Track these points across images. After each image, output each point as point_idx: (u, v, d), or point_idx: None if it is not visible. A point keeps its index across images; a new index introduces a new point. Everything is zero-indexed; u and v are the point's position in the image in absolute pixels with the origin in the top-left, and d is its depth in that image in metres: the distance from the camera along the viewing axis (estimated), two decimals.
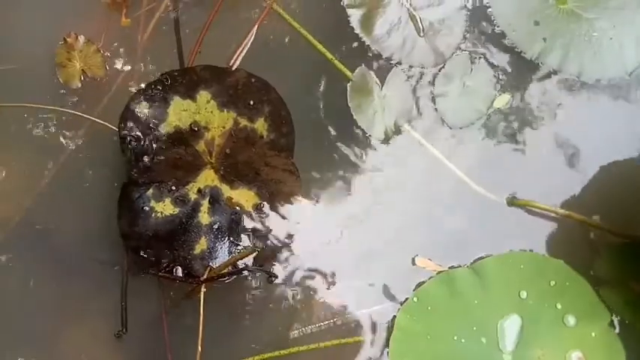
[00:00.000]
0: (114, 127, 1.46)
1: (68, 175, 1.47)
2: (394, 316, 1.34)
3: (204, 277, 1.27)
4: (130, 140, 1.40)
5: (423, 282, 1.37)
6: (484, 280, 1.35)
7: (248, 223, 1.38)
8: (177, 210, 1.37)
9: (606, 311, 1.33)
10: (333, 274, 1.39)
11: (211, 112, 1.44)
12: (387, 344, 1.35)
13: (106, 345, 1.37)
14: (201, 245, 1.36)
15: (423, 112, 1.50)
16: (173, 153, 1.41)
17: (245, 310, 1.36)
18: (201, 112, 1.44)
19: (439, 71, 1.52)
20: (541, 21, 1.56)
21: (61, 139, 1.49)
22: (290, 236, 1.39)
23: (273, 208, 1.40)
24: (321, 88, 1.53)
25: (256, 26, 1.56)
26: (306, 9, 1.60)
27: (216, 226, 1.37)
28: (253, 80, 1.46)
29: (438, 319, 1.33)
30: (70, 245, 1.42)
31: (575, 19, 1.56)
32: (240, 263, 1.31)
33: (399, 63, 1.53)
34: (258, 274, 1.34)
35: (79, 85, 1.48)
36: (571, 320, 1.33)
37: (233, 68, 1.50)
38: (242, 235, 1.36)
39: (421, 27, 1.55)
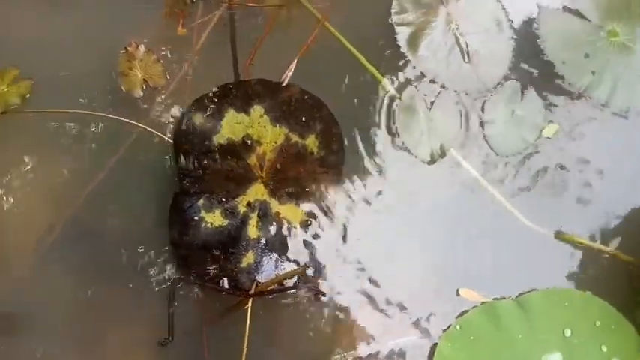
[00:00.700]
0: (164, 136, 1.49)
1: (118, 180, 1.49)
2: (435, 344, 1.34)
3: (252, 291, 1.29)
4: (184, 150, 1.43)
5: (466, 311, 1.37)
6: (528, 314, 1.35)
7: (295, 240, 1.40)
8: (226, 222, 1.39)
9: None
10: (377, 299, 1.39)
11: (264, 126, 1.46)
12: None
13: (148, 351, 1.38)
14: (249, 258, 1.38)
15: (471, 138, 1.51)
16: (225, 165, 1.44)
17: (287, 327, 1.37)
18: (254, 126, 1.47)
19: (489, 97, 1.53)
20: (591, 53, 1.57)
21: (112, 145, 1.51)
22: (336, 256, 1.40)
23: (321, 226, 1.42)
24: (368, 107, 1.54)
25: (308, 42, 1.60)
26: (356, 26, 1.62)
27: (263, 241, 1.39)
28: (306, 97, 1.49)
29: (479, 349, 1.33)
30: (116, 250, 1.43)
31: (626, 53, 1.57)
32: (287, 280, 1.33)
33: (444, 87, 1.55)
34: (305, 292, 1.35)
35: (141, 93, 1.51)
36: None
37: (284, 83, 1.53)
38: (289, 251, 1.38)
39: (467, 53, 1.57)
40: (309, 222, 1.41)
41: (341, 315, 1.38)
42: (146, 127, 1.51)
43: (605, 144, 1.52)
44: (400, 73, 1.56)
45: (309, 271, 1.36)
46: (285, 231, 1.40)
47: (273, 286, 1.31)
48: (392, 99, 1.54)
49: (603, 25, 1.58)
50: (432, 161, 1.49)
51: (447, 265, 1.42)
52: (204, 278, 1.34)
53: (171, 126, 1.51)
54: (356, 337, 1.37)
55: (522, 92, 1.54)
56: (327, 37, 1.62)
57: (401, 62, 1.57)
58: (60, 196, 1.49)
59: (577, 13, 1.60)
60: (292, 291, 1.33)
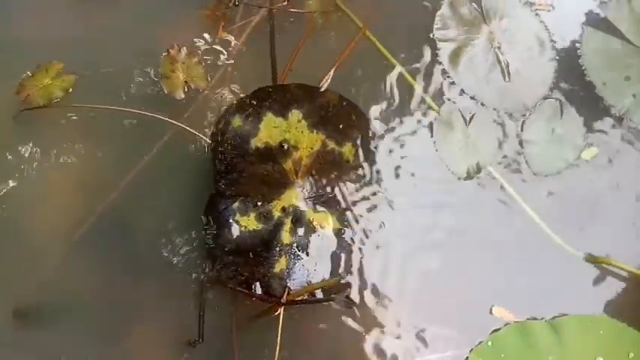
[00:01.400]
0: (202, 136, 1.49)
1: (153, 177, 1.50)
2: (466, 358, 1.33)
3: (284, 299, 1.28)
4: (221, 152, 1.43)
5: (499, 329, 1.36)
6: (561, 338, 1.33)
7: (328, 248, 1.39)
8: (260, 226, 1.39)
9: None
10: (410, 313, 1.38)
11: (301, 131, 1.46)
12: None
13: (174, 349, 1.37)
14: (281, 264, 1.37)
15: (508, 155, 1.50)
16: (261, 168, 1.43)
17: (317, 336, 1.36)
18: (292, 131, 1.46)
19: (528, 116, 1.52)
20: (632, 76, 1.56)
21: (149, 142, 1.51)
22: (368, 267, 1.39)
23: (354, 235, 1.41)
24: (405, 118, 1.54)
25: (348, 50, 1.60)
26: (398, 37, 1.62)
27: (297, 247, 1.38)
28: (345, 104, 1.49)
29: None
30: (148, 246, 1.43)
31: None
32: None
33: (483, 104, 1.54)
34: (337, 303, 1.34)
35: (183, 95, 1.51)
36: None
37: (323, 89, 1.52)
38: (322, 259, 1.37)
39: (507, 72, 1.56)
40: (342, 231, 1.40)
41: (372, 328, 1.37)
42: (184, 125, 1.51)
43: None
44: (439, 88, 1.56)
45: (343, 282, 1.35)
46: (318, 238, 1.39)
47: (305, 296, 1.30)
48: (430, 113, 1.55)
49: None
50: (469, 177, 1.48)
51: (481, 282, 1.41)
52: (237, 281, 1.33)
53: (209, 126, 1.51)
54: (387, 350, 1.36)
55: (562, 112, 1.53)
56: (365, 45, 1.62)
57: (441, 77, 1.57)
58: (94, 190, 1.49)
59: (619, 35, 1.59)
60: (326, 304, 1.32)
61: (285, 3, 1.58)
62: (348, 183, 1.44)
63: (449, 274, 1.41)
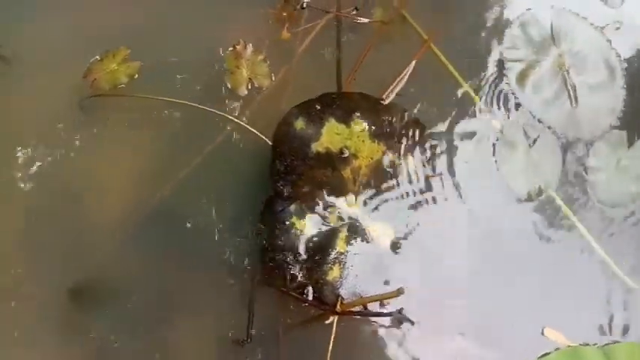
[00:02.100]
0: (260, 134, 1.48)
1: (209, 172, 1.49)
2: None
3: (338, 308, 1.26)
4: (282, 153, 1.42)
5: (548, 353, 1.33)
6: None
7: (384, 260, 1.37)
8: (316, 231, 1.37)
9: None
10: (462, 331, 1.35)
11: (363, 140, 1.44)
12: None
13: (219, 345, 1.36)
14: (335, 272, 1.35)
15: (571, 182, 1.47)
16: (320, 174, 1.42)
17: (363, 349, 1.34)
18: (353, 139, 1.45)
19: (594, 143, 1.49)
20: None
21: (207, 137, 1.51)
22: (422, 284, 1.37)
23: (410, 250, 1.38)
24: (467, 135, 1.51)
25: (413, 62, 1.58)
26: (463, 52, 1.60)
27: (351, 256, 1.36)
28: (407, 117, 1.47)
29: None
30: (199, 241, 1.43)
31: None
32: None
33: (548, 127, 1.52)
34: (392, 318, 1.32)
35: (246, 92, 1.51)
36: None
37: (387, 101, 1.52)
38: (376, 271, 1.35)
39: (575, 97, 1.53)
40: (398, 244, 1.38)
41: (424, 344, 1.34)
42: (243, 123, 1.51)
43: None
44: (504, 107, 1.53)
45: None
46: (373, 250, 1.37)
47: (359, 307, 1.28)
48: (493, 131, 1.51)
49: None
50: (529, 199, 1.45)
51: (534, 305, 1.38)
52: (289, 285, 1.32)
53: (268, 125, 1.48)
54: None
55: (630, 143, 1.50)
56: (429, 59, 1.59)
57: (506, 96, 1.54)
58: (150, 180, 1.49)
59: None
60: (383, 319, 1.30)
61: (354, 12, 1.58)
62: (405, 196, 1.43)
63: (502, 294, 1.38)
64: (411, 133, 1.46)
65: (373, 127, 1.45)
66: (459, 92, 1.55)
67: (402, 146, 1.44)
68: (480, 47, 1.61)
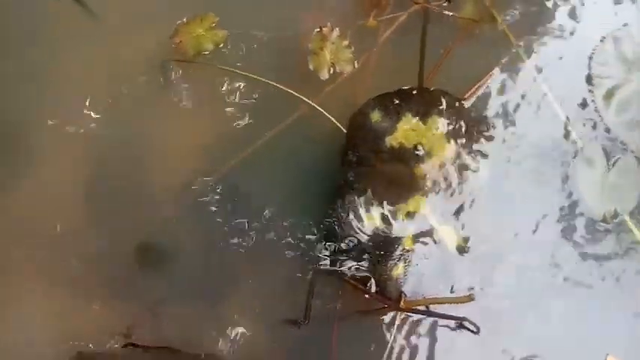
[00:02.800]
0: (335, 120, 1.47)
1: (277, 151, 1.49)
2: None
3: (402, 304, 1.26)
4: (355, 143, 1.40)
5: None
6: None
7: (449, 263, 1.36)
8: (383, 225, 1.36)
9: None
10: (520, 349, 1.33)
11: (438, 139, 1.42)
12: None
13: (268, 323, 1.37)
14: (399, 269, 1.34)
15: None
16: (391, 168, 1.40)
17: (425, 348, 1.33)
18: (428, 137, 1.42)
19: None
20: None
21: (279, 115, 1.50)
22: (486, 293, 1.35)
23: (477, 256, 1.37)
24: (546, 147, 1.47)
25: (497, 68, 1.54)
26: (552, 65, 1.54)
27: (417, 255, 1.35)
28: (487, 121, 1.45)
29: None
30: (261, 220, 1.43)
31: None
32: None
33: (632, 151, 1.47)
34: (457, 323, 1.30)
35: (327, 76, 1.49)
36: None
37: (468, 101, 1.49)
38: (441, 274, 1.34)
39: None
40: (466, 248, 1.37)
41: (482, 356, 1.33)
42: (318, 107, 1.49)
43: None
44: (586, 122, 1.49)
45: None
46: (439, 251, 1.36)
47: (423, 307, 1.28)
48: (572, 146, 1.47)
49: None
50: (604, 221, 1.41)
51: (600, 329, 1.35)
52: (353, 276, 1.32)
53: (342, 112, 1.48)
54: None
55: None
56: (514, 64, 1.54)
57: (589, 112, 1.49)
58: (216, 151, 1.49)
59: None
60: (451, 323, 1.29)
61: (445, 4, 1.55)
62: (477, 201, 1.41)
63: (568, 316, 1.36)
64: (487, 140, 1.44)
65: (451, 127, 1.43)
66: (542, 102, 1.49)
67: (478, 151, 1.42)
68: (569, 59, 1.56)
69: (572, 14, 1.60)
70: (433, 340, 1.32)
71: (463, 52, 1.56)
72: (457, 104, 1.45)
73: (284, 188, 1.47)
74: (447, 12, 1.57)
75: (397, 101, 1.44)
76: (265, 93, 1.52)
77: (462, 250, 1.36)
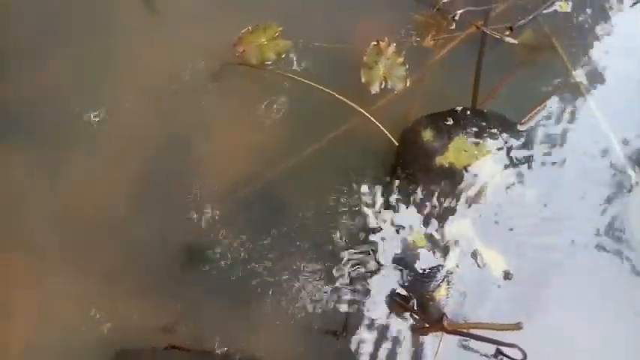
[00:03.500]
0: (387, 133, 1.46)
1: (324, 160, 1.49)
2: None
3: (446, 325, 1.24)
4: (404, 160, 1.41)
5: None
6: None
7: (493, 288, 1.33)
8: (428, 244, 1.36)
9: None
10: None
11: (489, 162, 1.41)
12: None
13: (304, 332, 1.36)
14: (442, 290, 1.33)
15: None
16: (440, 189, 1.40)
17: None
18: (479, 159, 1.42)
19: None
20: None
21: (330, 124, 1.50)
22: (531, 320, 1.30)
23: (522, 283, 1.34)
24: (603, 175, 1.44)
25: (554, 95, 1.52)
26: (608, 95, 1.52)
27: (460, 277, 1.34)
28: (542, 149, 1.43)
29: None
30: (304, 227, 1.43)
31: None
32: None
33: None
34: (505, 348, 1.26)
35: (377, 90, 1.50)
36: None
37: (524, 128, 1.47)
38: (484, 299, 1.32)
39: None
40: (509, 275, 1.35)
41: None
42: (372, 118, 1.49)
43: None
44: None
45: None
46: (484, 275, 1.34)
47: (468, 330, 1.25)
48: (628, 176, 1.44)
49: None
50: None
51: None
52: (395, 292, 1.32)
53: (393, 126, 1.47)
54: None
55: None
56: (572, 92, 1.53)
57: None
58: (266, 155, 1.50)
59: None
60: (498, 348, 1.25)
61: (507, 32, 1.54)
62: (524, 225, 1.38)
63: (616, 345, 1.32)
64: (542, 164, 1.43)
65: (503, 151, 1.43)
66: (599, 133, 1.47)
67: (530, 177, 1.41)
68: (626, 88, 1.53)
69: (631, 45, 1.58)
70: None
71: (519, 76, 1.55)
72: (514, 129, 1.45)
73: (328, 196, 1.46)
74: (506, 38, 1.58)
75: (450, 121, 1.45)
76: (318, 101, 1.54)
77: (506, 275, 1.34)
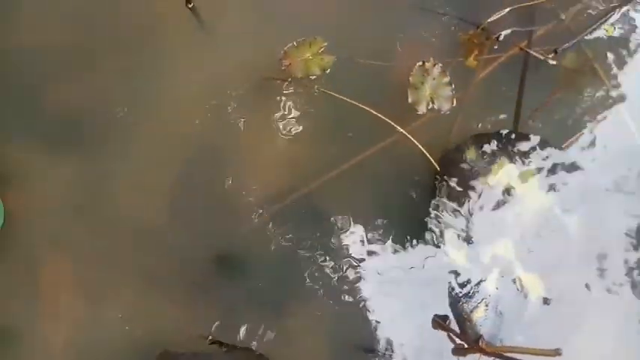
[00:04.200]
0: (426, 152, 1.46)
1: (362, 175, 1.50)
2: None
3: (484, 346, 1.25)
4: (447, 180, 1.42)
5: None
6: None
7: (531, 313, 1.35)
8: (468, 265, 1.37)
9: None
10: None
11: (532, 187, 1.42)
12: None
13: (333, 347, 1.39)
14: (480, 311, 1.35)
15: None
16: (481, 209, 1.40)
17: None
18: (521, 183, 1.43)
19: None
20: None
21: (369, 141, 1.51)
22: (568, 347, 1.32)
23: (560, 310, 1.35)
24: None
25: (597, 124, 1.52)
26: None
27: (498, 299, 1.35)
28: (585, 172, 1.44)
29: None
30: (338, 242, 1.45)
31: None
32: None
33: None
34: None
35: (425, 110, 1.50)
36: None
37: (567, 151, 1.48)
38: (521, 322, 1.33)
39: None
40: (547, 301, 1.36)
41: None
42: (411, 136, 1.50)
43: None
44: None
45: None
46: (521, 299, 1.36)
47: (506, 353, 1.27)
48: None
49: None
50: None
51: None
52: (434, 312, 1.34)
53: (434, 145, 1.48)
54: None
55: None
56: (614, 116, 1.53)
57: None
58: (302, 169, 1.52)
59: None
60: None
61: (551, 55, 1.54)
62: (567, 253, 1.39)
63: None
64: (584, 189, 1.43)
65: (546, 175, 1.43)
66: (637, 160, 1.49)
67: (572, 200, 1.41)
68: None
69: None
70: None
71: (561, 99, 1.56)
72: (554, 152, 1.46)
73: (365, 212, 1.47)
74: (549, 60, 1.59)
75: (495, 143, 1.45)
76: (359, 117, 1.54)
77: (545, 300, 1.35)
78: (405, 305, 1.36)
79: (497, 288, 1.35)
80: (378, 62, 1.58)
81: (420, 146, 1.48)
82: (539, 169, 1.42)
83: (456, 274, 1.35)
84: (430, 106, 1.51)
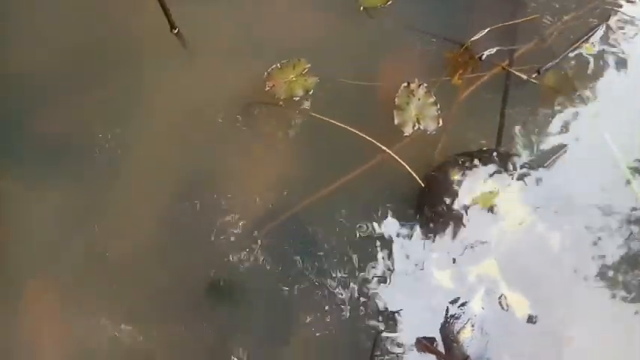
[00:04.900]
0: (413, 172, 1.46)
1: (349, 195, 1.50)
2: None
3: None
4: (432, 200, 1.42)
5: None
6: None
7: (517, 332, 1.34)
8: (453, 285, 1.37)
9: None
10: None
11: (515, 205, 1.43)
12: None
13: None
14: (466, 332, 1.34)
15: None
16: (465, 228, 1.41)
17: None
18: (505, 200, 1.43)
19: None
20: None
21: (355, 161, 1.52)
22: None
23: (547, 328, 1.34)
24: (624, 221, 1.45)
25: (577, 141, 1.52)
26: (629, 140, 1.53)
27: (484, 319, 1.34)
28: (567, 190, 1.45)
29: None
30: (329, 262, 1.44)
31: None
32: None
33: None
34: None
35: (411, 131, 1.51)
36: None
37: (548, 168, 1.49)
38: (508, 343, 1.32)
39: None
40: (534, 319, 1.35)
41: None
42: (396, 156, 1.50)
43: None
44: None
45: None
46: (507, 319, 1.35)
47: None
48: None
49: None
50: None
51: None
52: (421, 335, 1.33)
53: (418, 165, 1.49)
54: None
55: None
56: (591, 131, 1.55)
57: None
58: (291, 189, 1.52)
59: None
60: None
61: (535, 75, 1.56)
62: (552, 271, 1.38)
63: None
64: (566, 206, 1.44)
65: (529, 195, 1.43)
66: (623, 183, 1.48)
67: (555, 218, 1.42)
68: None
69: None
70: None
71: (542, 117, 1.57)
72: (539, 172, 1.47)
73: (351, 231, 1.47)
74: (531, 79, 1.60)
75: (478, 161, 1.46)
76: (343, 138, 1.54)
77: (530, 319, 1.35)
78: (395, 327, 1.35)
79: (482, 308, 1.34)
80: (363, 82, 1.59)
81: (406, 166, 1.49)
82: (522, 187, 1.43)
83: (444, 294, 1.34)
84: (416, 126, 1.52)
